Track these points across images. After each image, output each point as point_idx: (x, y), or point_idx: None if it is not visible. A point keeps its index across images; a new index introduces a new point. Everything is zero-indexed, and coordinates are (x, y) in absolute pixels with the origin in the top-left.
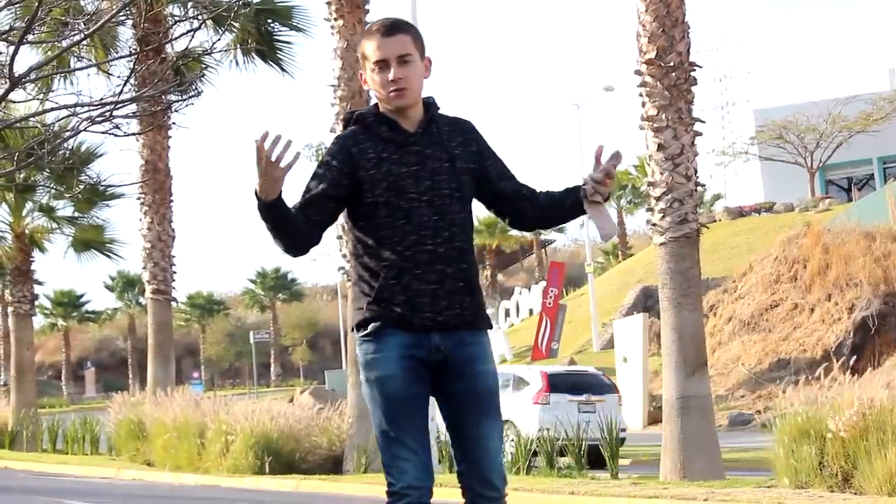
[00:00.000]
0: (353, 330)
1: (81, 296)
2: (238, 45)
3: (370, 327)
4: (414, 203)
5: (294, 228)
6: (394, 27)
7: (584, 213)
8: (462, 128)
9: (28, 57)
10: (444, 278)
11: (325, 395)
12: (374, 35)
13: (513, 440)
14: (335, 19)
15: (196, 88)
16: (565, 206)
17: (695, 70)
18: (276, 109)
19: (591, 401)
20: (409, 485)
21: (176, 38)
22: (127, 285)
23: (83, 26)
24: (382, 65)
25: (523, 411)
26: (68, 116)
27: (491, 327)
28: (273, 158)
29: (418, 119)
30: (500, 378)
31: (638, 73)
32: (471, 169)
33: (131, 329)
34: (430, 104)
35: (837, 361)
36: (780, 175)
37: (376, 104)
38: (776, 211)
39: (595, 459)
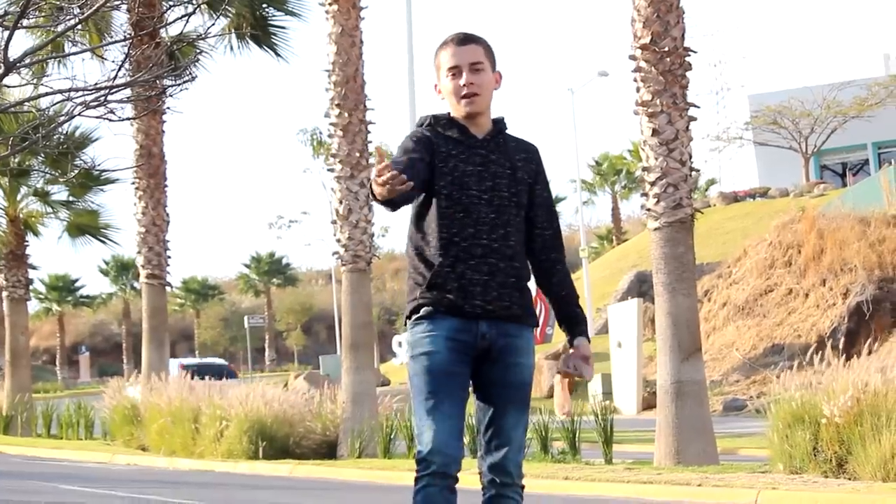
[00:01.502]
0: (405, 321)
1: (76, 280)
2: (232, 30)
3: (422, 311)
4: (474, 199)
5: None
6: (467, 38)
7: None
8: (526, 148)
9: (22, 41)
10: (496, 271)
11: (319, 380)
12: (449, 44)
13: None
14: (330, 4)
15: (191, 73)
16: (556, 317)
17: (689, 55)
18: (271, 94)
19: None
20: (437, 450)
21: (170, 23)
22: (121, 270)
23: (78, 11)
24: (456, 71)
25: None
26: (63, 101)
27: (537, 325)
28: (392, 185)
29: (487, 128)
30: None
31: (632, 58)
32: (528, 182)
33: (126, 314)
34: (499, 121)
35: (832, 346)
36: (775, 160)
37: (448, 112)
38: (771, 196)
39: None
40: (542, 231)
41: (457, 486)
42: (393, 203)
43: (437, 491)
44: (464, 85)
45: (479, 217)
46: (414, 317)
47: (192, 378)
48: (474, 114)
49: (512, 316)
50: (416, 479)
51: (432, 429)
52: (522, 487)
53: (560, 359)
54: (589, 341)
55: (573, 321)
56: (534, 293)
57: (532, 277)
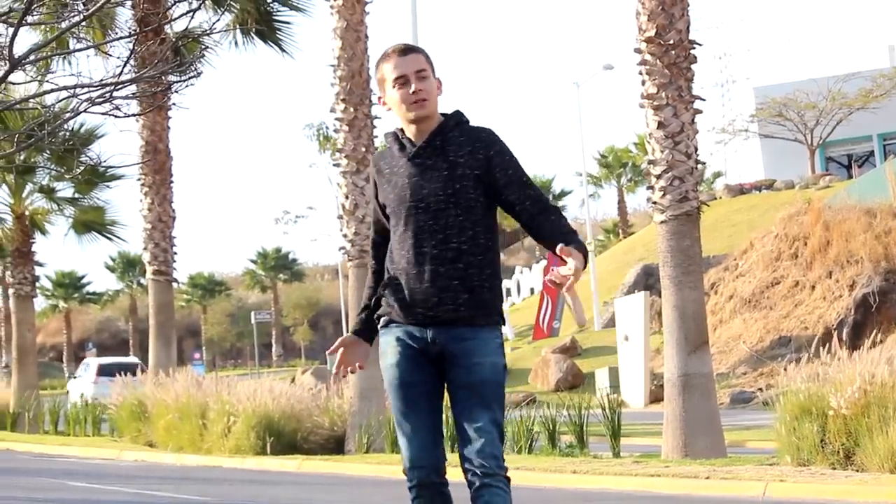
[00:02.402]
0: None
1: (82, 277)
2: (237, 26)
3: (381, 321)
4: (412, 210)
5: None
6: (408, 48)
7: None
8: (475, 136)
9: (27, 38)
10: (437, 277)
11: (326, 376)
12: (392, 56)
13: None
14: None
15: (196, 69)
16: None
17: (694, 48)
18: (276, 90)
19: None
20: (413, 464)
21: (175, 19)
22: (128, 266)
23: (82, 7)
24: (403, 80)
25: (88, 387)
26: (68, 98)
27: (498, 323)
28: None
29: (429, 133)
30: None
31: (638, 51)
32: (475, 175)
33: (132, 310)
34: (448, 118)
35: (838, 338)
36: (781, 152)
37: (400, 128)
38: (776, 188)
39: None
40: (522, 206)
41: (450, 481)
42: None
43: (426, 502)
44: (413, 92)
45: (417, 226)
46: (379, 325)
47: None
48: (422, 118)
49: (459, 319)
50: (409, 490)
51: (406, 444)
52: (507, 479)
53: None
54: (581, 253)
55: (562, 239)
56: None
57: (497, 274)
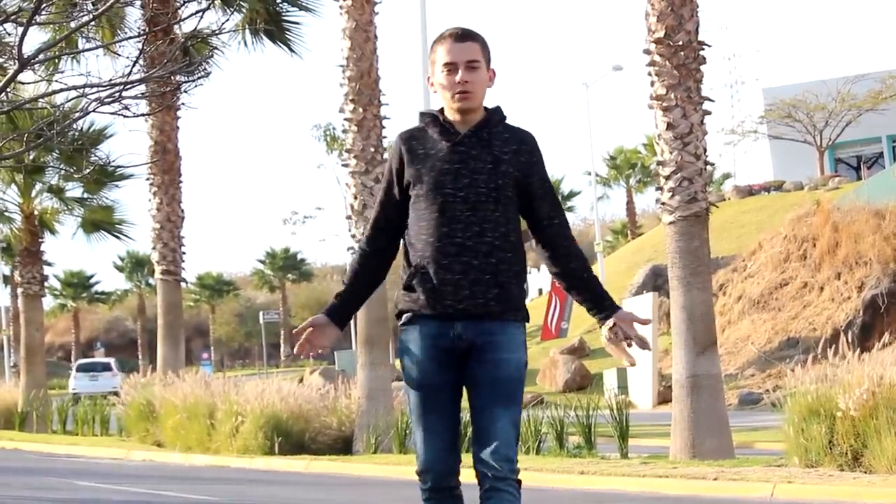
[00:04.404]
0: (396, 318)
1: (91, 276)
2: (246, 26)
3: (403, 317)
4: (449, 198)
5: (371, 283)
6: (465, 35)
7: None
8: (520, 138)
9: (36, 38)
10: (469, 269)
11: (334, 376)
12: (447, 40)
13: None
14: None
15: (205, 69)
16: (581, 302)
17: (703, 49)
18: (285, 90)
19: (94, 376)
20: (429, 467)
21: (185, 19)
22: (136, 266)
23: (92, 7)
24: (451, 68)
25: (71, 382)
26: (77, 97)
27: (525, 319)
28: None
29: (475, 123)
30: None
31: (647, 52)
32: (515, 175)
33: (141, 310)
34: (493, 112)
35: (847, 340)
36: (790, 153)
37: (441, 108)
38: (785, 189)
39: None
40: (550, 221)
41: (463, 483)
42: None
43: None
44: (459, 82)
45: (453, 216)
46: (399, 322)
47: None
48: (466, 110)
49: (489, 313)
50: (421, 491)
51: (423, 446)
52: (518, 482)
53: (604, 338)
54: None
55: (601, 298)
56: (548, 288)
57: (524, 272)
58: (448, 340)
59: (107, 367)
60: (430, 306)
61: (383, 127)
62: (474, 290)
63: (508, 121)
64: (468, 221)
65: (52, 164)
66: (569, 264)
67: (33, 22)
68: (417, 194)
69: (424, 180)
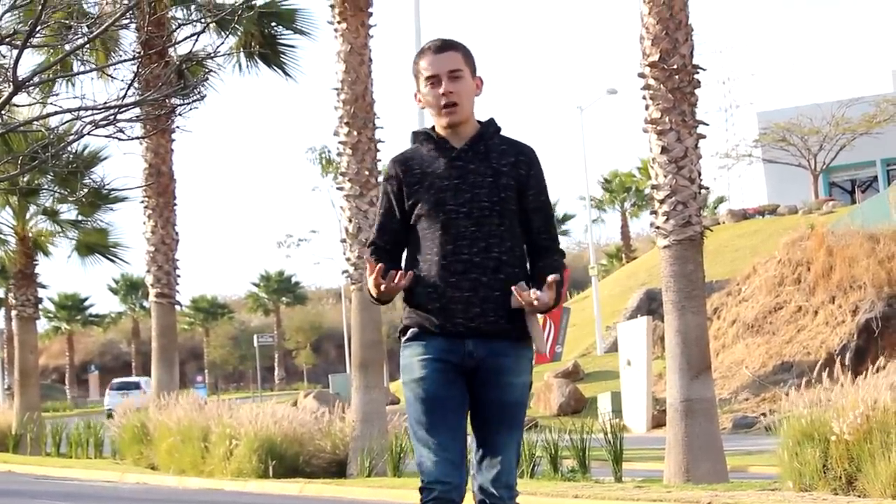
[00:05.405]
0: (398, 337)
1: (85, 299)
2: (241, 49)
3: (409, 333)
4: (452, 215)
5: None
6: (445, 45)
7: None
8: (518, 150)
9: (31, 60)
10: (479, 286)
11: (329, 399)
12: (427, 53)
13: None
14: (339, 22)
15: (199, 92)
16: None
17: (698, 72)
18: (280, 113)
19: (126, 393)
20: (436, 479)
21: (179, 42)
22: (131, 289)
23: (86, 30)
24: (434, 80)
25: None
26: (72, 120)
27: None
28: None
29: (469, 136)
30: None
31: (641, 75)
32: (515, 187)
33: (135, 332)
34: (486, 124)
35: (841, 364)
36: (784, 177)
37: (433, 125)
38: (780, 213)
39: None
40: (537, 236)
41: None
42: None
43: None
44: (443, 94)
45: (458, 232)
46: (403, 338)
47: None
48: (455, 123)
49: (500, 332)
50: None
51: (431, 459)
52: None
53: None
54: (555, 294)
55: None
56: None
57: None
58: (458, 356)
59: (137, 386)
60: (440, 325)
61: (378, 150)
62: (485, 307)
63: (505, 134)
64: (473, 237)
65: (46, 186)
66: (545, 260)
67: (28, 44)
68: (419, 214)
69: (424, 198)
